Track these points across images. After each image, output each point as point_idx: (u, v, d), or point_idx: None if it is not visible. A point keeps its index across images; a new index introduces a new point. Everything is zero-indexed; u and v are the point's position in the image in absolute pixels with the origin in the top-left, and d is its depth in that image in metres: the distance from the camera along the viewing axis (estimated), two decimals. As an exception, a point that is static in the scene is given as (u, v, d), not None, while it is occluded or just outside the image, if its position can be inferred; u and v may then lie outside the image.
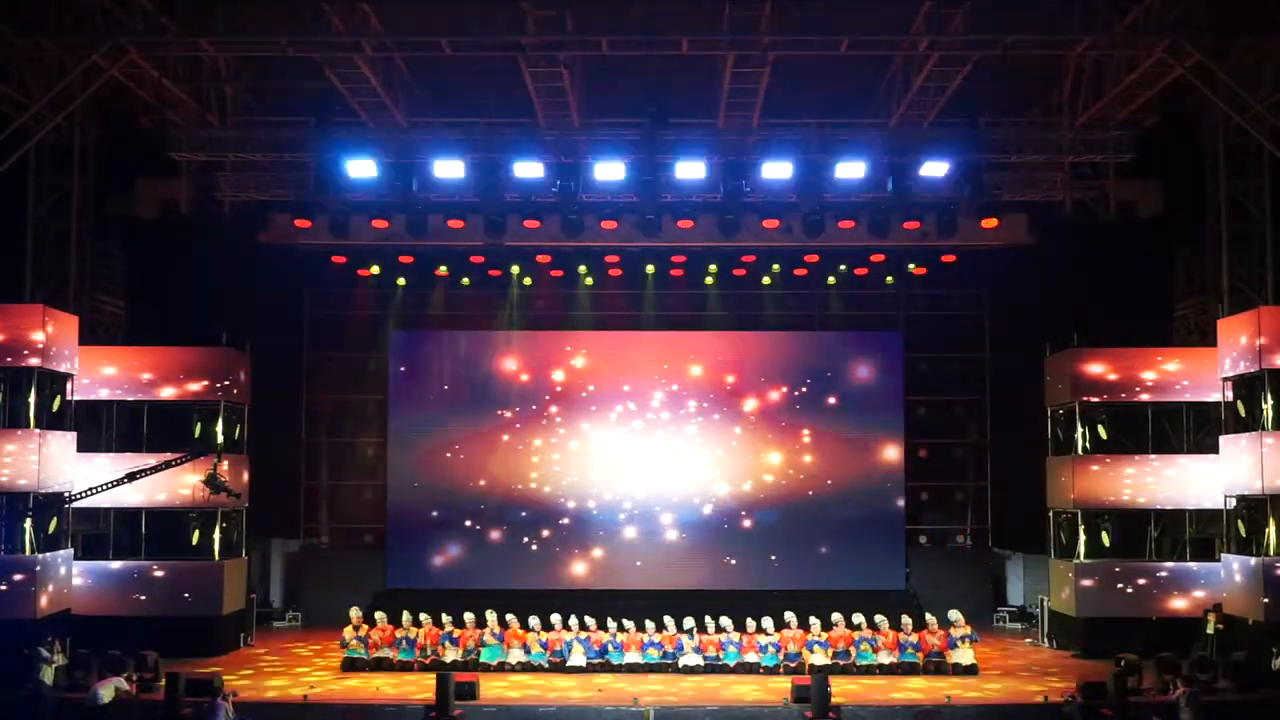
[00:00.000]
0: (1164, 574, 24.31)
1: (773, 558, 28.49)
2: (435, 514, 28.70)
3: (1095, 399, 24.78)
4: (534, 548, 28.66)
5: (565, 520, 28.73)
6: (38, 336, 22.12)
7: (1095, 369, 24.76)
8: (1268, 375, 22.07)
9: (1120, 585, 24.18)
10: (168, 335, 25.02)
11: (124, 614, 23.36)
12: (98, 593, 23.83)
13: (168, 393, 24.66)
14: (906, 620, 22.75)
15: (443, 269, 28.34)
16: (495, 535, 28.70)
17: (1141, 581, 24.22)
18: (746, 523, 28.68)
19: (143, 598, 23.96)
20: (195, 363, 24.75)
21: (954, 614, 22.95)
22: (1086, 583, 24.23)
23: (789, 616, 22.88)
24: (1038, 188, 26.23)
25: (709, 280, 28.75)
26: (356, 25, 21.27)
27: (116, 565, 24.29)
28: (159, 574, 24.12)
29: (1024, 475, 26.99)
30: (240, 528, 25.46)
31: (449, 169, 24.56)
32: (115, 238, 27.68)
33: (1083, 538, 24.53)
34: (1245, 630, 21.76)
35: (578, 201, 24.80)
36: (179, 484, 24.07)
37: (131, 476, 22.83)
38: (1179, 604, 23.97)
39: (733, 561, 28.54)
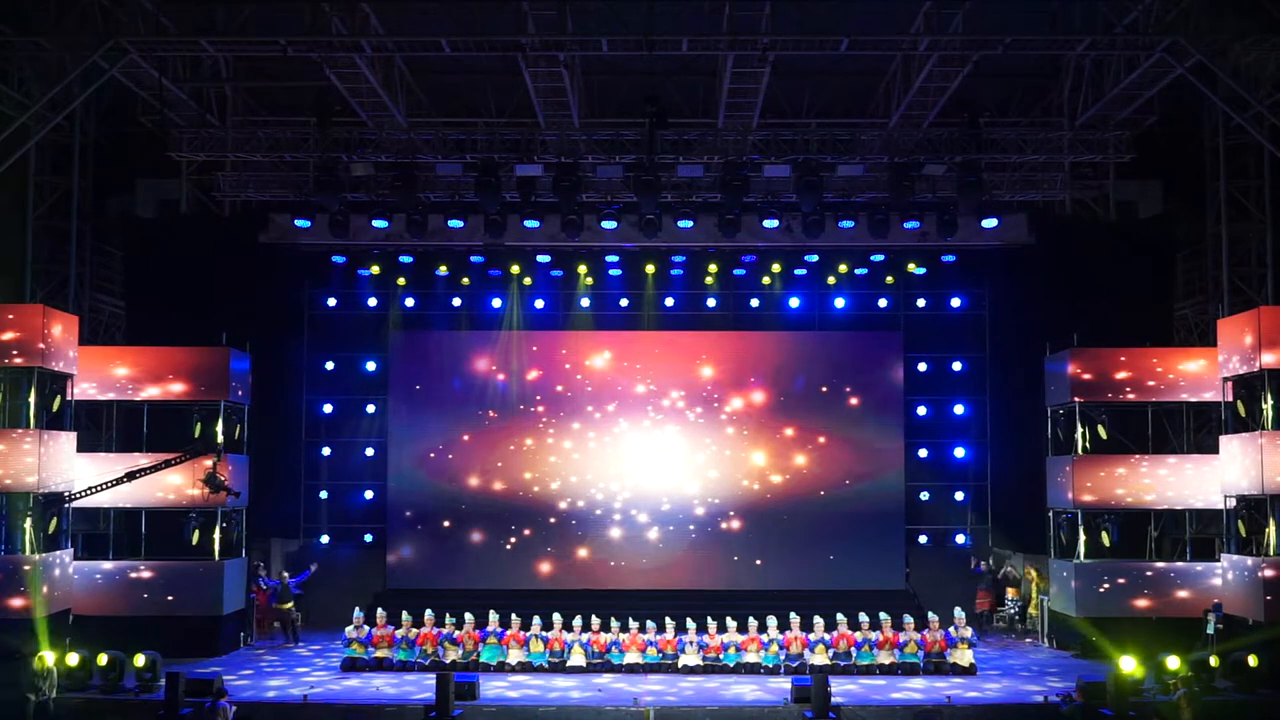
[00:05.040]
0: (1164, 574, 24.28)
1: (766, 560, 28.47)
2: (435, 514, 28.68)
3: (1095, 399, 24.77)
4: (534, 548, 28.65)
5: (568, 520, 28.71)
6: (38, 336, 22.13)
7: (1095, 369, 24.73)
8: (1267, 375, 22.08)
9: (1120, 585, 24.15)
10: (168, 335, 24.99)
11: (124, 614, 23.34)
12: (98, 593, 23.81)
13: (168, 392, 24.62)
14: (908, 620, 22.74)
15: (443, 269, 28.38)
16: (495, 535, 28.66)
17: (1140, 582, 24.19)
18: (746, 523, 28.66)
19: (147, 597, 23.94)
20: (195, 363, 24.71)
21: (958, 613, 23.00)
22: (1086, 583, 24.22)
23: (793, 618, 22.87)
24: (1038, 188, 26.25)
25: (709, 280, 28.77)
26: (356, 25, 21.28)
27: (116, 565, 24.27)
28: (159, 574, 24.09)
29: (1024, 475, 26.99)
30: (240, 528, 25.46)
31: (449, 169, 24.63)
32: (115, 238, 27.71)
33: (1083, 538, 24.51)
34: (1245, 630, 21.74)
35: (578, 201, 24.83)
36: (179, 484, 24.05)
37: (131, 476, 22.90)
38: (1179, 604, 23.92)
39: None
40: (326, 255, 28.08)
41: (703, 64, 24.06)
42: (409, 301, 29.15)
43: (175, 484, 24.08)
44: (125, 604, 23.74)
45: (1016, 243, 26.87)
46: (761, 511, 28.69)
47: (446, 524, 28.69)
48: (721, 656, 22.51)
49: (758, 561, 28.51)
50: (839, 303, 28.98)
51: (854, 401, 28.88)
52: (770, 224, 25.98)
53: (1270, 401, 22.01)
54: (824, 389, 28.91)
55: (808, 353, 29.12)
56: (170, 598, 23.91)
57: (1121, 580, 24.18)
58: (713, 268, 28.55)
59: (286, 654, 24.44)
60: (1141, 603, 24.02)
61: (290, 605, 25.67)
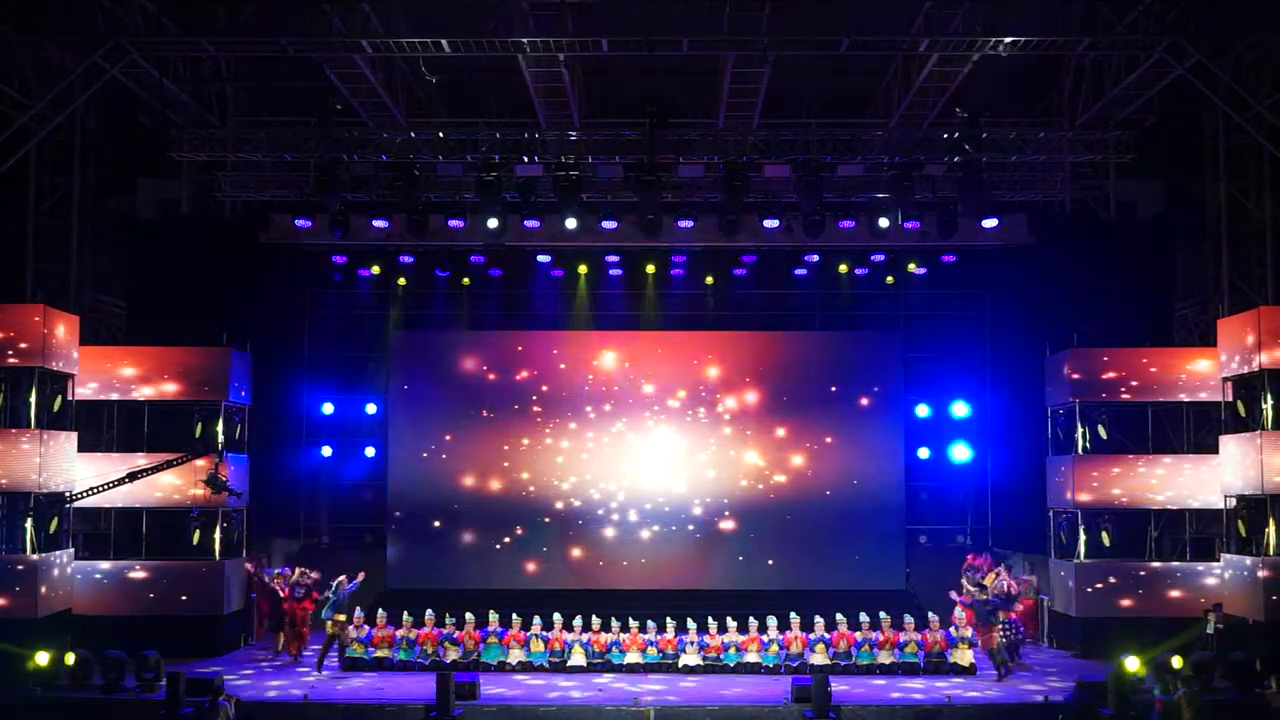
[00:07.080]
0: (1164, 574, 24.28)
1: (766, 559, 28.48)
2: (435, 514, 28.66)
3: (1095, 399, 24.76)
4: (534, 548, 28.63)
5: (567, 520, 28.66)
6: (38, 336, 22.12)
7: (1095, 369, 24.72)
8: (1267, 375, 22.08)
9: (1120, 585, 24.15)
10: (168, 335, 25.00)
11: (124, 614, 23.33)
12: (98, 593, 23.82)
13: (168, 392, 24.61)
14: (908, 620, 22.75)
15: (443, 269, 28.38)
16: (495, 535, 28.64)
17: (1140, 581, 24.18)
18: (746, 523, 28.63)
19: (147, 597, 23.92)
20: (195, 363, 24.71)
21: (958, 613, 22.99)
22: (1086, 583, 24.22)
23: (794, 618, 22.87)
24: (1038, 188, 26.25)
25: (709, 280, 28.76)
26: (356, 25, 21.28)
27: (116, 565, 24.25)
28: (160, 574, 24.08)
29: (1024, 475, 26.99)
30: (241, 528, 25.46)
31: (449, 169, 24.63)
32: (115, 238, 27.71)
33: (1083, 538, 24.50)
34: (1245, 630, 21.75)
35: (577, 201, 24.83)
36: (180, 484, 24.05)
37: (132, 476, 22.91)
38: (1179, 604, 23.92)
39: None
40: (327, 255, 28.09)
41: (703, 64, 24.05)
42: (409, 301, 29.17)
43: (175, 484, 24.08)
44: (126, 604, 23.74)
45: (1016, 243, 26.87)
46: (762, 511, 28.65)
47: (446, 524, 28.66)
48: (722, 656, 22.52)
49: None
50: (839, 303, 28.98)
51: (854, 401, 28.84)
52: (770, 224, 25.99)
53: (1270, 401, 22.01)
54: (824, 389, 28.87)
55: (808, 353, 29.11)
56: (171, 597, 23.91)
57: (1121, 580, 24.17)
58: (713, 268, 28.54)
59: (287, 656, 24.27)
60: (1141, 603, 24.01)
61: (344, 618, 22.64)
